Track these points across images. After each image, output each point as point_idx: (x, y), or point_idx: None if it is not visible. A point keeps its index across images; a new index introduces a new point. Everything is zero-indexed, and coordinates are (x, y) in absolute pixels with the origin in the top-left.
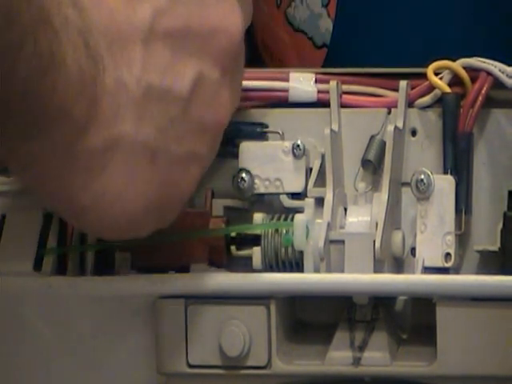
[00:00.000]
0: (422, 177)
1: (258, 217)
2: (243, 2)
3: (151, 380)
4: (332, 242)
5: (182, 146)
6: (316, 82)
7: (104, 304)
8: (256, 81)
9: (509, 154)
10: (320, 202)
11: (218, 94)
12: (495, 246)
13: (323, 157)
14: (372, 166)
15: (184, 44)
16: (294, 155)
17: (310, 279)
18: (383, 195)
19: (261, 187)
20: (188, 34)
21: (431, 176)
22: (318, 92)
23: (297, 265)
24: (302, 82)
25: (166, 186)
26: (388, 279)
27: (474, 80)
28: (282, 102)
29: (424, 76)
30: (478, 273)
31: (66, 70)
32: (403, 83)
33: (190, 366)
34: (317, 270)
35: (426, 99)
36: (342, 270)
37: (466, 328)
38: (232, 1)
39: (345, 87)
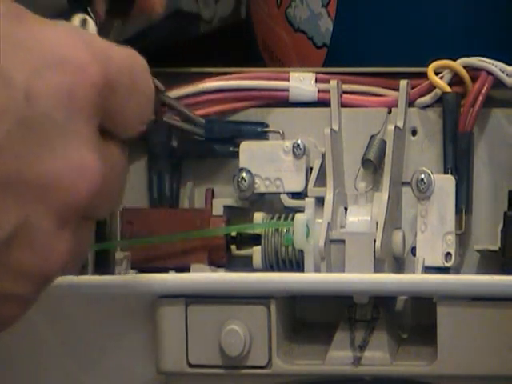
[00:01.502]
0: (423, 176)
1: (258, 216)
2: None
3: (151, 380)
4: (332, 241)
5: None
6: (316, 81)
7: (104, 304)
8: (256, 81)
9: (509, 153)
10: (320, 201)
11: (49, 244)
12: (495, 246)
13: (323, 156)
14: (372, 165)
15: (9, 192)
16: (295, 155)
17: (310, 279)
18: (383, 195)
19: (261, 187)
20: (16, 184)
21: (431, 175)
22: (319, 91)
23: (297, 264)
24: (302, 82)
25: None
26: (388, 279)
27: (474, 79)
28: (283, 101)
29: (424, 75)
30: (478, 272)
31: None
32: (403, 83)
33: (191, 366)
34: (317, 270)
35: (427, 99)
36: (342, 270)
37: (466, 328)
38: (86, 150)
39: (345, 87)
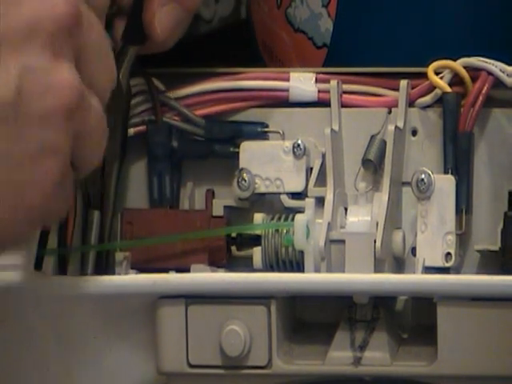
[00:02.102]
0: (423, 176)
1: (258, 217)
2: None
3: (151, 380)
4: (332, 241)
5: (25, 142)
6: (316, 81)
7: (104, 304)
8: (256, 81)
9: (509, 153)
10: (320, 201)
11: (52, 76)
12: (495, 246)
13: (324, 156)
14: (372, 165)
15: (3, 43)
16: (295, 155)
17: (310, 279)
18: (384, 195)
19: (261, 187)
20: (6, 33)
21: (432, 176)
22: (319, 92)
23: (297, 265)
24: (302, 82)
25: (17, 187)
26: (388, 279)
27: (474, 79)
28: (283, 101)
29: (424, 75)
30: (478, 273)
31: None
32: (404, 83)
33: (191, 366)
34: (317, 270)
35: (427, 99)
36: (342, 270)
37: (466, 328)
38: None
39: (345, 87)
